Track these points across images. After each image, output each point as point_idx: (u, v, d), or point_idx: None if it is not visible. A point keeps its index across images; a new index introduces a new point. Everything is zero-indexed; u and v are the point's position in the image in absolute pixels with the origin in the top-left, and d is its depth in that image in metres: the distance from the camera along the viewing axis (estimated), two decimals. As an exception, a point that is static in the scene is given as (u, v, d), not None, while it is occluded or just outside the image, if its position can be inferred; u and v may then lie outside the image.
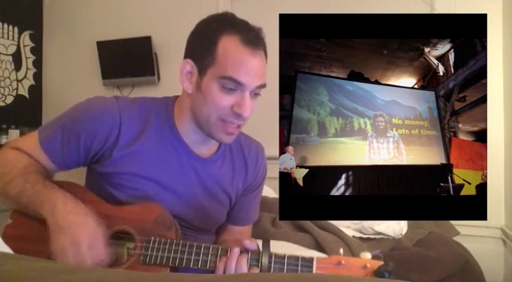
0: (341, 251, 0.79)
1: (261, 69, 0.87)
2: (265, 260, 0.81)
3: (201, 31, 0.90)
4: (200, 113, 0.90)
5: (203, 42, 0.88)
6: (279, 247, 1.21)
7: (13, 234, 0.88)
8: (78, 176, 1.01)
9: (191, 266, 0.83)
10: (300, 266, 0.80)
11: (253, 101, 0.89)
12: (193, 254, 0.84)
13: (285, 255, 0.81)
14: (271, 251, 0.83)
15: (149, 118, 0.95)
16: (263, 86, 0.89)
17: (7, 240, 0.87)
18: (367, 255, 0.79)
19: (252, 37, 0.86)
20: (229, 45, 0.85)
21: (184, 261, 0.83)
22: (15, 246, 0.82)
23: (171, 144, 0.96)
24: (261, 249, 0.83)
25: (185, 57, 0.91)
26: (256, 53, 0.86)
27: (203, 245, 0.85)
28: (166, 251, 0.84)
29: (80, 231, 0.81)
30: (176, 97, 1.00)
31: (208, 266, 0.83)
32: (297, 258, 0.81)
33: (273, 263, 0.81)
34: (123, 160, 0.92)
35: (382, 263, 0.77)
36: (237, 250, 0.83)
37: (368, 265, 0.77)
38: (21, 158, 0.91)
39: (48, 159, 0.92)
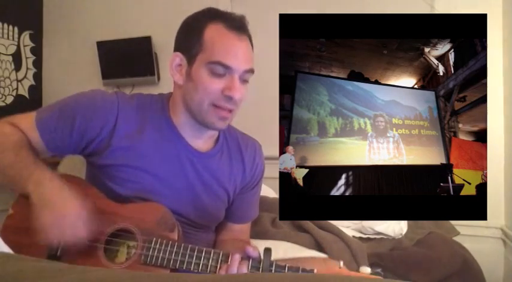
0: (341, 263, 0.79)
1: (248, 54, 0.91)
2: (265, 267, 0.81)
3: (187, 25, 0.94)
4: (192, 102, 0.92)
5: (190, 34, 0.91)
6: (279, 247, 1.21)
7: (13, 225, 0.88)
8: (79, 174, 1.01)
9: (191, 269, 0.83)
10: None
11: (242, 87, 0.91)
12: (195, 257, 0.84)
13: (285, 265, 0.82)
14: (272, 259, 0.83)
15: (146, 113, 0.97)
16: (251, 70, 0.91)
17: (7, 231, 0.88)
18: (366, 270, 0.79)
19: (236, 24, 0.90)
20: (215, 32, 0.89)
21: (185, 264, 0.83)
22: (15, 237, 0.82)
23: (169, 138, 0.96)
24: (262, 257, 0.83)
25: (174, 51, 0.94)
26: (241, 37, 0.90)
27: (204, 249, 0.85)
28: (167, 253, 0.84)
29: (64, 207, 0.82)
30: (171, 93, 1.01)
31: (208, 270, 0.83)
32: (297, 268, 0.81)
33: (273, 271, 0.81)
34: (122, 152, 0.93)
35: (381, 278, 0.77)
36: (237, 257, 0.83)
37: (367, 280, 0.77)
38: (15, 132, 0.92)
39: (41, 139, 0.92)
